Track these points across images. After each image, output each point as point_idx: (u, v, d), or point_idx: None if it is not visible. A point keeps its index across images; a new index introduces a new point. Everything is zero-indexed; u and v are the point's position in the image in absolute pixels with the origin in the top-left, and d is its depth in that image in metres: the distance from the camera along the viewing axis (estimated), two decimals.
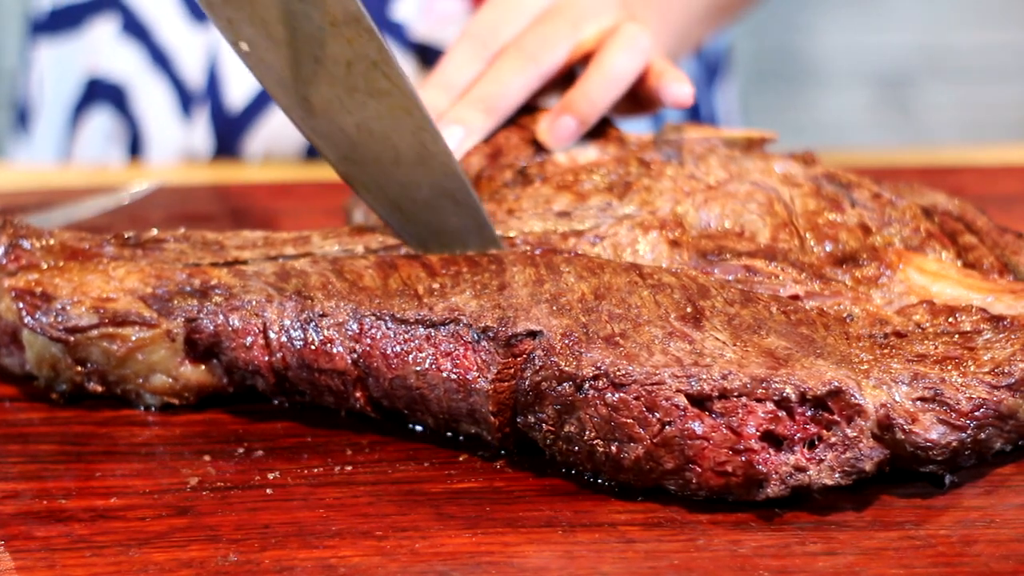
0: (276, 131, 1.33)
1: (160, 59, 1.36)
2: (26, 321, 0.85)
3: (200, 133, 1.35)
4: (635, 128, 1.04)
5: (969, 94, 2.96)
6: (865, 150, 1.40)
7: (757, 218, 0.89)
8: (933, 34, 2.97)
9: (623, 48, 0.98)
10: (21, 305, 0.85)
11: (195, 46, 1.34)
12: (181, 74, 1.36)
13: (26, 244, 0.88)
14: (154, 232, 0.91)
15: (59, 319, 0.85)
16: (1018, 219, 1.00)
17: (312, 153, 1.33)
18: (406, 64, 1.29)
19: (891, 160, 1.31)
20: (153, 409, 0.87)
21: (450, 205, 0.87)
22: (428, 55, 1.29)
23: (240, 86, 1.33)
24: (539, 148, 0.96)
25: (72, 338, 0.85)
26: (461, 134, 0.95)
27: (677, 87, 0.97)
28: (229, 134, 1.34)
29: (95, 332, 0.85)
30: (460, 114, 0.96)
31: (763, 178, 0.92)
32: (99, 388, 0.87)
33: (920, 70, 2.97)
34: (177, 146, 1.36)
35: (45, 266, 0.87)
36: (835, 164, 0.96)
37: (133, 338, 0.85)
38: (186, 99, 1.36)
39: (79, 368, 0.86)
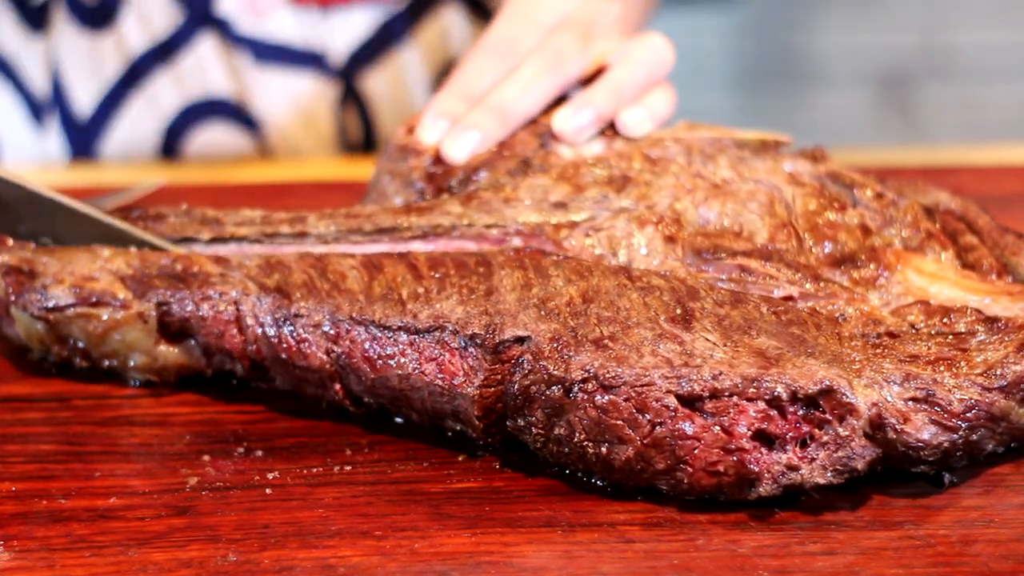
0: (129, 133, 1.33)
1: (3, 69, 1.34)
2: (11, 298, 0.88)
3: (53, 141, 1.34)
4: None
5: (969, 94, 2.96)
6: (865, 150, 1.40)
7: (757, 218, 0.89)
8: (933, 34, 2.97)
9: (648, 54, 1.00)
10: (7, 282, 0.88)
11: (34, 53, 1.33)
12: (26, 83, 1.34)
13: None
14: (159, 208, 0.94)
15: (40, 298, 0.87)
16: (1018, 219, 1.00)
17: (167, 151, 1.33)
18: (240, 60, 1.31)
19: (891, 160, 1.31)
20: (137, 384, 0.89)
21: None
22: (257, 49, 1.31)
23: (86, 91, 1.32)
24: (545, 141, 0.97)
25: (51, 317, 0.87)
26: (478, 138, 0.96)
27: (626, 115, 0.98)
28: (83, 140, 1.34)
29: (71, 311, 0.87)
30: (476, 120, 0.97)
31: (768, 177, 0.92)
32: (84, 364, 0.89)
33: (920, 70, 2.97)
34: (32, 153, 1.36)
35: (42, 243, 0.90)
36: (836, 164, 0.96)
37: (105, 317, 0.87)
38: (35, 108, 1.34)
39: (62, 344, 0.89)
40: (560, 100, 1.01)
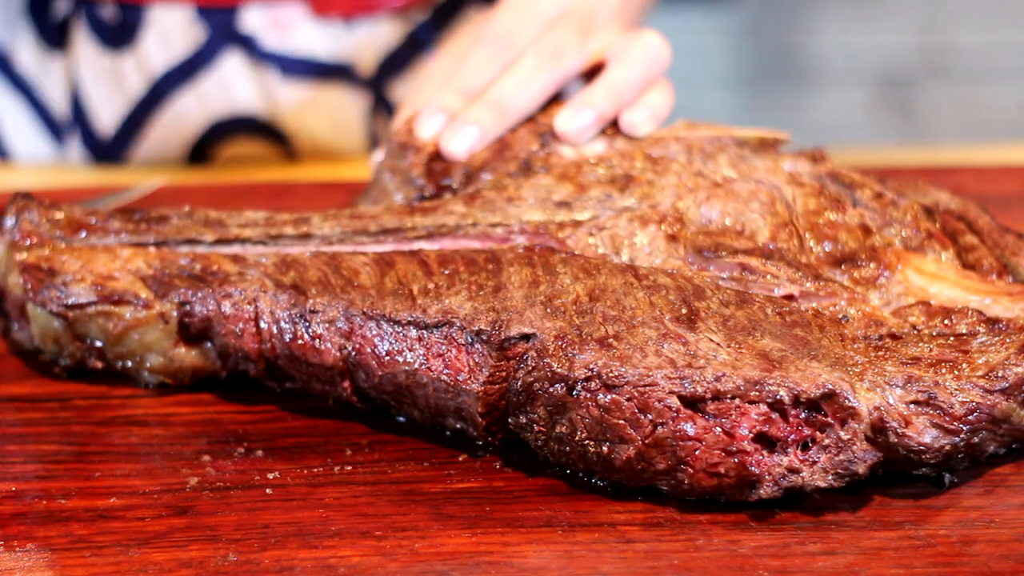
0: (154, 151, 1.32)
1: (21, 87, 1.34)
2: (29, 295, 0.88)
3: (74, 157, 1.34)
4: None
5: (969, 94, 2.96)
6: (865, 150, 1.40)
7: (758, 217, 0.90)
8: (933, 34, 2.97)
9: (645, 52, 1.00)
10: (26, 279, 0.88)
11: (54, 72, 1.33)
12: (45, 102, 1.34)
13: (33, 216, 0.91)
14: (160, 209, 0.93)
15: (60, 294, 0.87)
16: (1018, 219, 1.00)
17: (195, 158, 1.33)
18: (267, 76, 1.31)
19: (891, 160, 1.31)
20: (150, 387, 0.89)
21: None
22: (284, 64, 1.30)
23: (108, 110, 1.31)
24: (546, 141, 0.97)
25: (71, 314, 0.87)
26: (477, 134, 0.96)
27: (629, 116, 0.98)
28: (105, 155, 1.33)
29: (92, 309, 0.87)
30: (475, 115, 0.97)
31: (768, 176, 0.93)
32: (99, 364, 0.89)
33: (920, 70, 2.97)
34: (52, 162, 1.35)
35: (59, 245, 0.90)
36: (836, 164, 0.96)
37: (127, 316, 0.87)
38: (54, 127, 1.34)
39: (79, 343, 0.88)
40: (559, 95, 1.01)
